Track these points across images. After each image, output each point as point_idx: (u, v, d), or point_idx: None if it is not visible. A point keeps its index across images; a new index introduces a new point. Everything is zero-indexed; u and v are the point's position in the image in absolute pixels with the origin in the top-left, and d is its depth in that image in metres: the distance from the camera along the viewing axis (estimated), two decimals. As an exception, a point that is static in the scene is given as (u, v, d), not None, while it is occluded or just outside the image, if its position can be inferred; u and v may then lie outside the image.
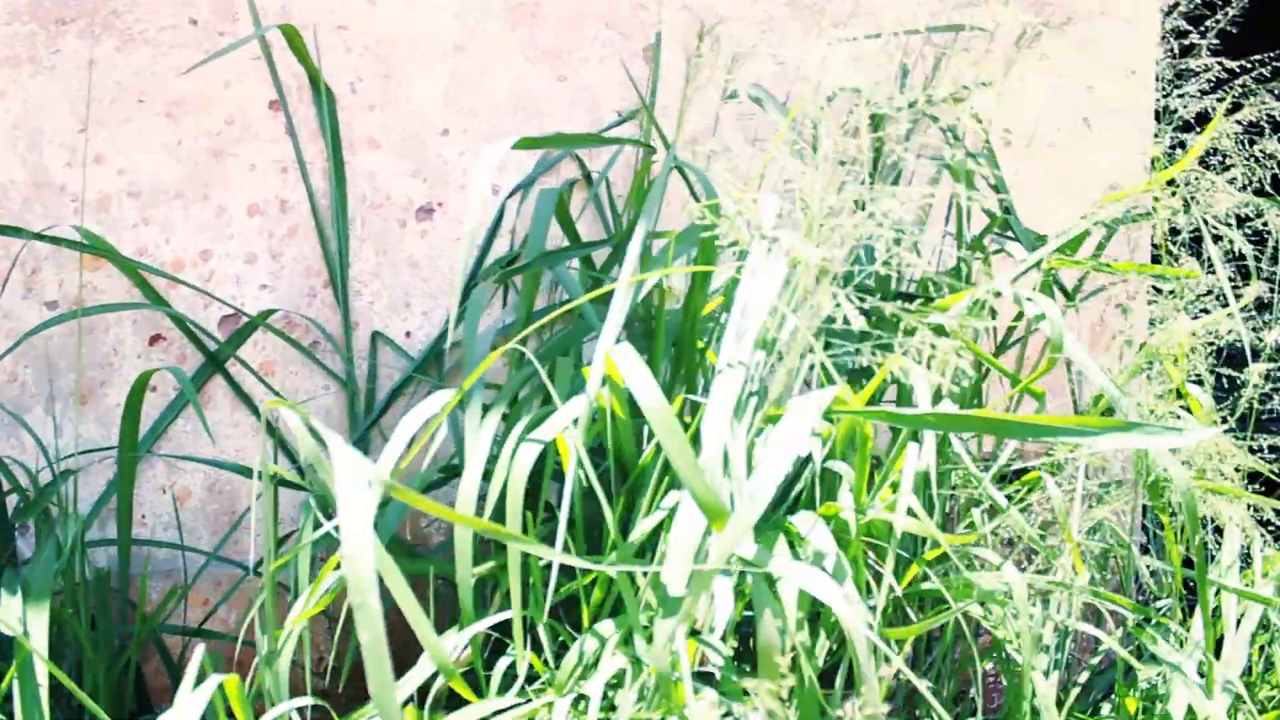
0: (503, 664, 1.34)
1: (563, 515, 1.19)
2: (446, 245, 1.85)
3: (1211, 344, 1.35)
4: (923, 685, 1.16)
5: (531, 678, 1.39)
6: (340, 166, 1.79)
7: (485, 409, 1.39)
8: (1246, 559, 1.66)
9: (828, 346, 1.37)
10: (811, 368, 1.41)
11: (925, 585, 1.45)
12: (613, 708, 1.22)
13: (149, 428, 1.74)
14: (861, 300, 1.16)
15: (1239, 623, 1.43)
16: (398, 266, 1.84)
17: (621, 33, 1.92)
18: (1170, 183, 1.51)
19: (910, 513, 1.39)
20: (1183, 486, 1.21)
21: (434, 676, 1.36)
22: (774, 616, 1.04)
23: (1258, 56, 1.44)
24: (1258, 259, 1.43)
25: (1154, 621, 1.44)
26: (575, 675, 1.25)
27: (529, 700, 1.20)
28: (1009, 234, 1.81)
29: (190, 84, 1.73)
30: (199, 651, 1.09)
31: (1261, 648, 1.68)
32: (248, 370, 1.77)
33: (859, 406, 1.16)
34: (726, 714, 1.18)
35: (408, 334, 1.85)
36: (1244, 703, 1.31)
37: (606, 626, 1.28)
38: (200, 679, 1.08)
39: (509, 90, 1.86)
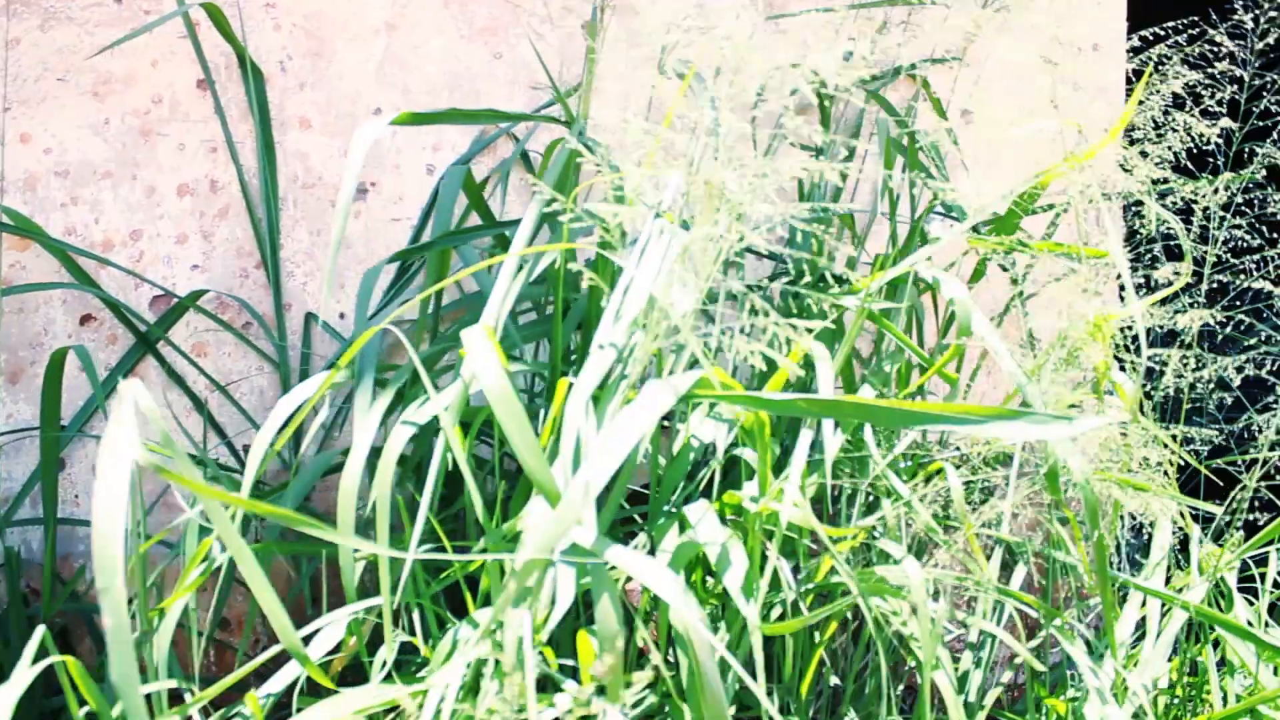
0: (386, 651, 1.32)
1: (423, 501, 1.16)
2: (381, 225, 1.82)
3: (1127, 329, 1.28)
4: (754, 683, 1.12)
5: (425, 664, 1.36)
6: (270, 146, 1.77)
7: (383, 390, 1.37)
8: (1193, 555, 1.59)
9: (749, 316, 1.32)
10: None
11: (837, 579, 1.40)
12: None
13: (80, 406, 1.74)
14: (753, 287, 1.11)
15: (1163, 624, 1.37)
16: (331, 247, 1.82)
17: (562, 7, 1.87)
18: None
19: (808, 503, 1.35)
20: (1080, 478, 1.15)
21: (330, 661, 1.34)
22: (612, 605, 1.00)
23: (1170, 24, 1.36)
24: (1188, 226, 1.35)
25: (1068, 622, 1.38)
26: (446, 663, 1.22)
27: (396, 686, 1.18)
28: (954, 215, 1.75)
29: (117, 63, 1.72)
30: (39, 631, 1.07)
31: (1216, 643, 1.60)
32: (178, 352, 1.76)
33: (723, 391, 1.11)
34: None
35: (341, 315, 1.83)
36: (1146, 713, 1.24)
37: (484, 614, 1.25)
38: (39, 657, 1.06)
39: (443, 68, 1.83)
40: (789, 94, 1.93)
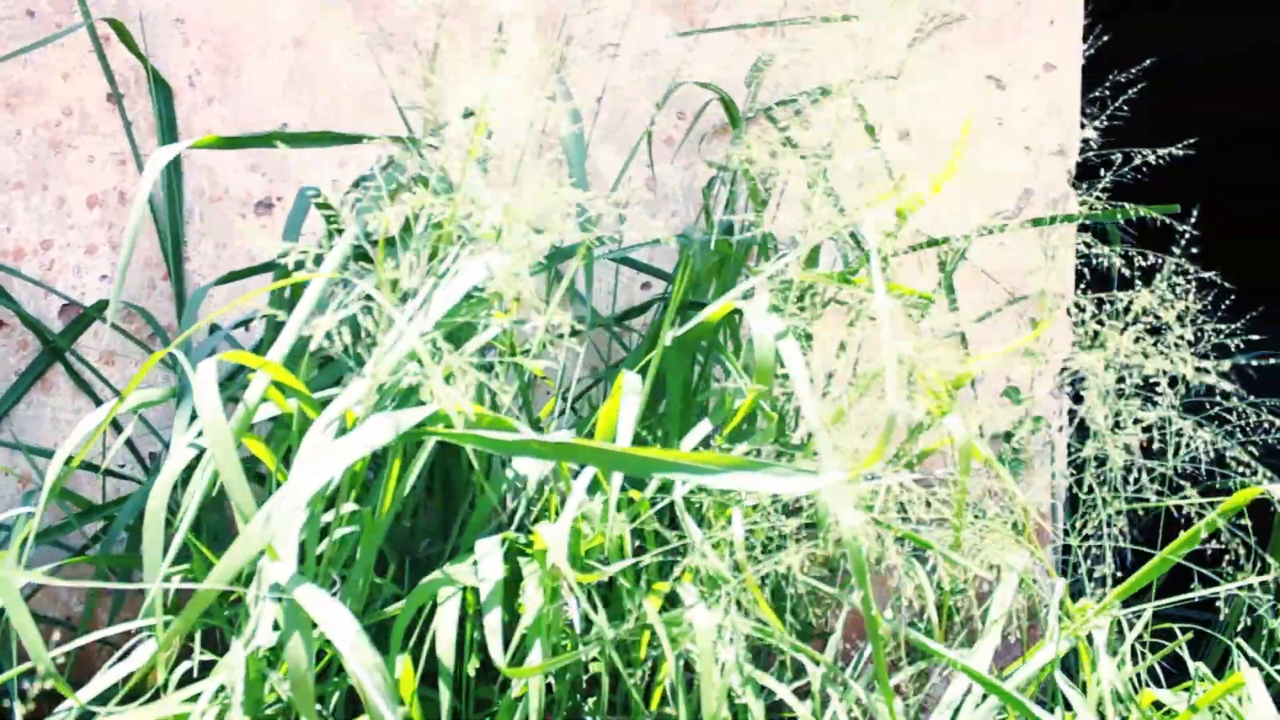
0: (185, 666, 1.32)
1: (183, 522, 1.16)
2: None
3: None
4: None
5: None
6: (176, 160, 1.79)
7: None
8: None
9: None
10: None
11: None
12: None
13: (-10, 408, 1.79)
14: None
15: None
16: (237, 260, 1.83)
17: (473, 25, 1.86)
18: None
19: (618, 534, 1.30)
20: (848, 534, 1.07)
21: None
22: (303, 644, 0.97)
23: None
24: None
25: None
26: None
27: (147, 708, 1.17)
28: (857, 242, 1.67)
29: (29, 74, 1.76)
30: None
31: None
32: (82, 363, 1.79)
33: (459, 430, 1.07)
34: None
35: (246, 328, 1.85)
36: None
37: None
38: None
39: (351, 85, 1.83)
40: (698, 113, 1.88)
